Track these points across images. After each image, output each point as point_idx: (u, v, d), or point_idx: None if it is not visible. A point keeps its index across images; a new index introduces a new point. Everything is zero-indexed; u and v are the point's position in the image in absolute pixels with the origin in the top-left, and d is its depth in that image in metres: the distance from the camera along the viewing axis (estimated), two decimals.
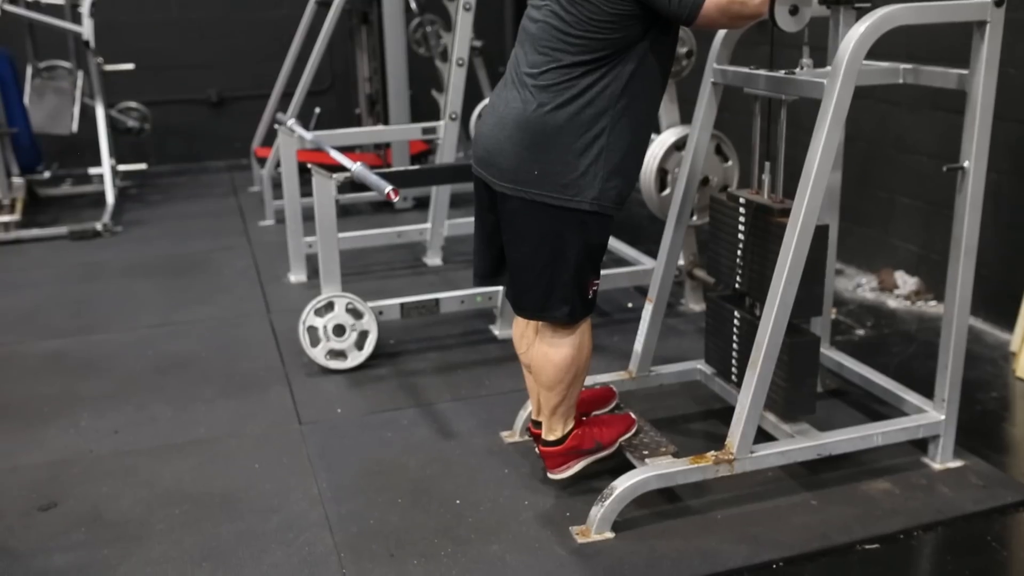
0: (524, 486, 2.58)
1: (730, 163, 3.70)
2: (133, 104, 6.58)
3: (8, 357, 3.63)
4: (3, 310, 4.17)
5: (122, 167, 6.35)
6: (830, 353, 2.99)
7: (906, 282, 3.99)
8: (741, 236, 2.64)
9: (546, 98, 2.19)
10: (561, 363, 2.39)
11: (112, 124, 6.32)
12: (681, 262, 3.81)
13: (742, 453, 2.39)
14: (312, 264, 4.12)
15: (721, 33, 2.68)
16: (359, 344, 3.46)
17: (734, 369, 2.76)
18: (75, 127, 6.08)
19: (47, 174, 6.25)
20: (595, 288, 2.38)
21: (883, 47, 2.26)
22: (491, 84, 6.30)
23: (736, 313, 2.69)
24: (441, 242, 4.68)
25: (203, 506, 2.55)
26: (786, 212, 2.40)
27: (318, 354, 3.41)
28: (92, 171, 6.14)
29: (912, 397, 2.68)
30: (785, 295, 2.28)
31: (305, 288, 4.28)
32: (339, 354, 3.43)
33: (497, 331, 3.71)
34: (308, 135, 4.13)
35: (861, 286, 4.12)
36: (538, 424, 2.55)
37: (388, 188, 2.91)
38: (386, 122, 5.70)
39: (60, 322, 4.00)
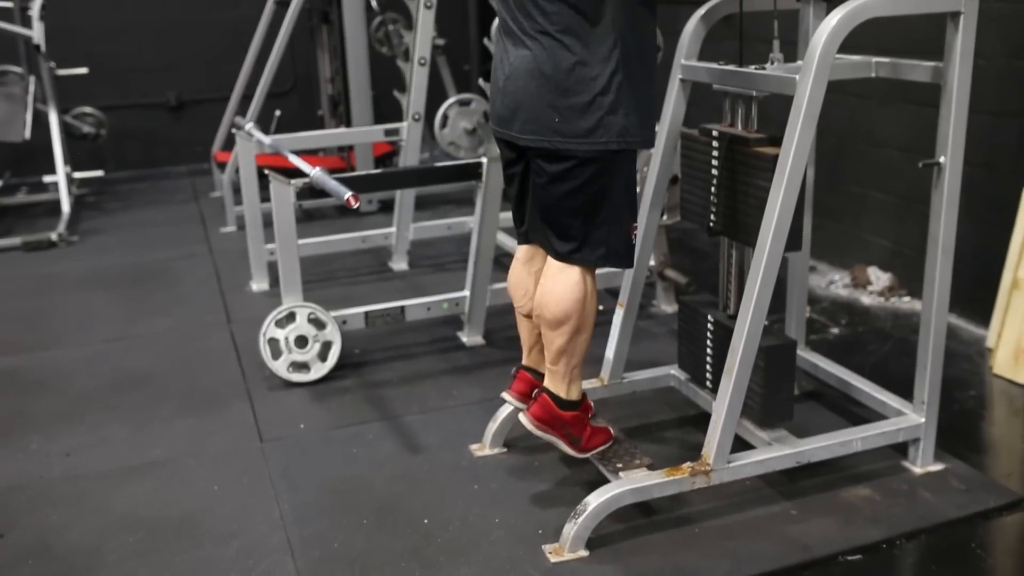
0: (494, 502, 2.49)
1: None
2: (88, 109, 6.39)
3: None
4: None
5: (78, 174, 6.18)
6: (805, 354, 2.92)
7: (879, 278, 3.93)
8: (715, 172, 2.50)
9: (553, 42, 2.16)
10: (565, 301, 2.29)
11: (67, 130, 6.14)
12: (652, 263, 3.74)
13: (719, 464, 2.31)
14: (274, 272, 3.95)
15: (689, 28, 2.59)
16: (322, 355, 3.34)
17: (708, 375, 2.68)
18: (28, 134, 5.88)
19: None
20: (635, 232, 2.35)
21: (852, 40, 2.19)
22: (455, 83, 6.19)
23: (710, 317, 2.61)
24: (407, 246, 4.57)
25: (158, 533, 2.43)
26: (761, 141, 2.34)
27: (280, 367, 3.29)
28: (47, 179, 5.96)
29: (891, 399, 2.62)
30: (762, 295, 2.21)
31: (267, 297, 4.16)
32: (302, 366, 3.31)
33: (465, 338, 3.61)
34: (266, 139, 4.00)
35: (834, 283, 4.06)
36: (529, 370, 2.57)
37: (347, 194, 2.81)
38: (349, 124, 5.57)
39: (11, 338, 3.84)
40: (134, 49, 6.84)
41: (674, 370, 2.89)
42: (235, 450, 2.85)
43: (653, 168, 2.71)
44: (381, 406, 3.10)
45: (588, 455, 2.44)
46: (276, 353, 3.29)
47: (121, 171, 6.91)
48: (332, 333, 3.35)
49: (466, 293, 3.60)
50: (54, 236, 5.21)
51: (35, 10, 5.52)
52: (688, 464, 2.32)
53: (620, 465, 2.37)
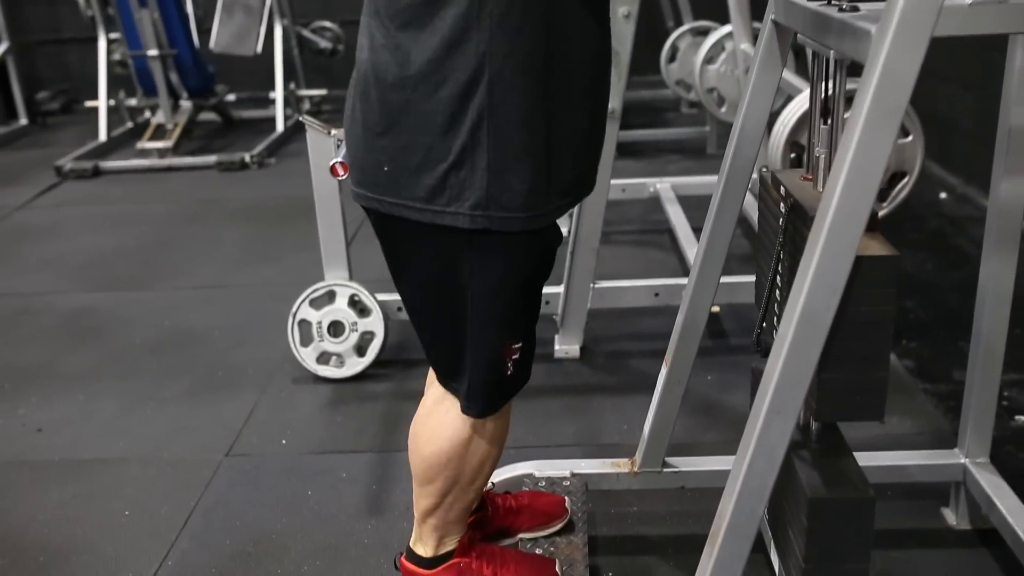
0: None
1: (910, 138, 2.46)
2: (327, 24, 6.17)
3: (33, 311, 3.32)
4: (79, 252, 3.91)
5: (306, 92, 6.00)
6: (983, 479, 1.80)
7: None
8: (779, 251, 1.54)
9: (387, 36, 1.27)
10: (431, 456, 1.52)
11: (303, 44, 5.97)
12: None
13: None
14: None
15: None
16: (360, 349, 2.72)
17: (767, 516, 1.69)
18: (259, 48, 5.77)
19: (230, 96, 6.04)
20: (514, 358, 1.45)
21: None
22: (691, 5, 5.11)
23: None
24: None
25: (19, 566, 1.98)
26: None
27: (308, 356, 2.72)
28: (273, 95, 5.84)
29: None
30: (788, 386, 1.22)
31: None
32: (334, 359, 2.72)
33: (557, 346, 2.80)
34: None
35: None
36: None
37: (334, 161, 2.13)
38: None
39: (120, 271, 3.65)
40: None
41: None
42: (190, 463, 2.34)
43: (728, 156, 1.70)
44: (396, 430, 2.43)
45: None
46: (306, 339, 2.72)
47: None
48: (376, 323, 2.71)
49: (559, 289, 2.77)
50: (247, 157, 5.04)
51: None
52: None
53: None
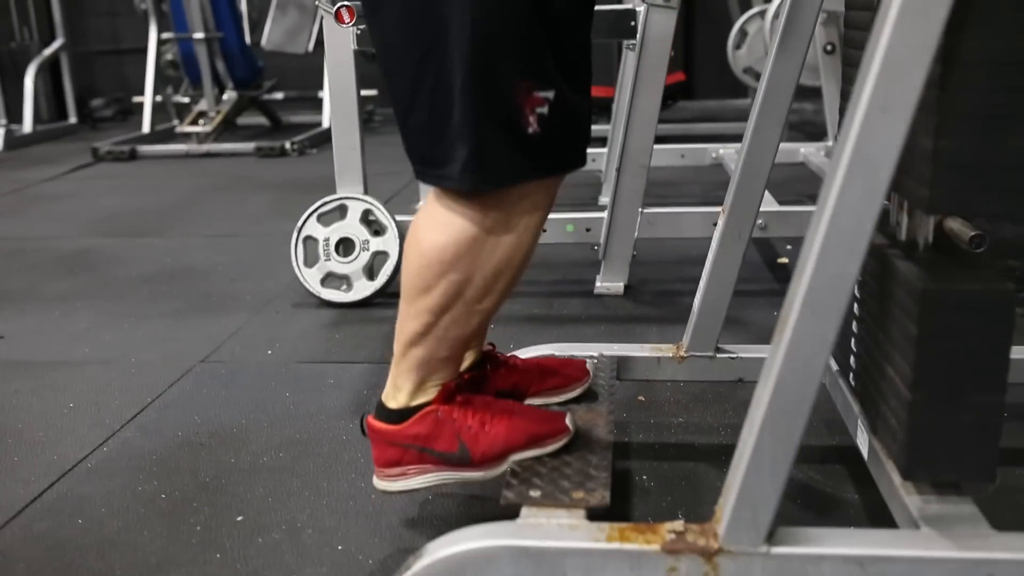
0: (352, 512, 1.36)
1: None
2: None
3: (29, 251, 3.05)
4: (95, 209, 3.66)
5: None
6: None
7: None
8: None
9: None
10: (432, 250, 1.14)
11: (359, 59, 5.79)
12: None
13: (741, 542, 0.97)
14: None
15: None
16: (370, 271, 2.38)
17: (853, 356, 1.28)
18: (311, 47, 5.61)
19: (278, 95, 5.89)
20: (540, 111, 1.07)
21: None
22: None
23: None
24: None
25: None
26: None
27: (312, 277, 2.38)
28: (321, 94, 5.66)
29: None
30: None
31: None
32: (341, 280, 2.38)
33: (599, 281, 2.41)
34: None
35: None
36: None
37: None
38: None
39: (132, 225, 3.38)
40: None
41: None
42: (160, 365, 2.00)
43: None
44: None
45: (501, 467, 1.21)
46: (311, 259, 2.39)
47: None
48: (390, 242, 2.37)
49: (603, 215, 2.40)
50: (288, 144, 4.82)
51: None
52: (673, 527, 1.01)
53: (537, 493, 1.12)
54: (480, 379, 1.34)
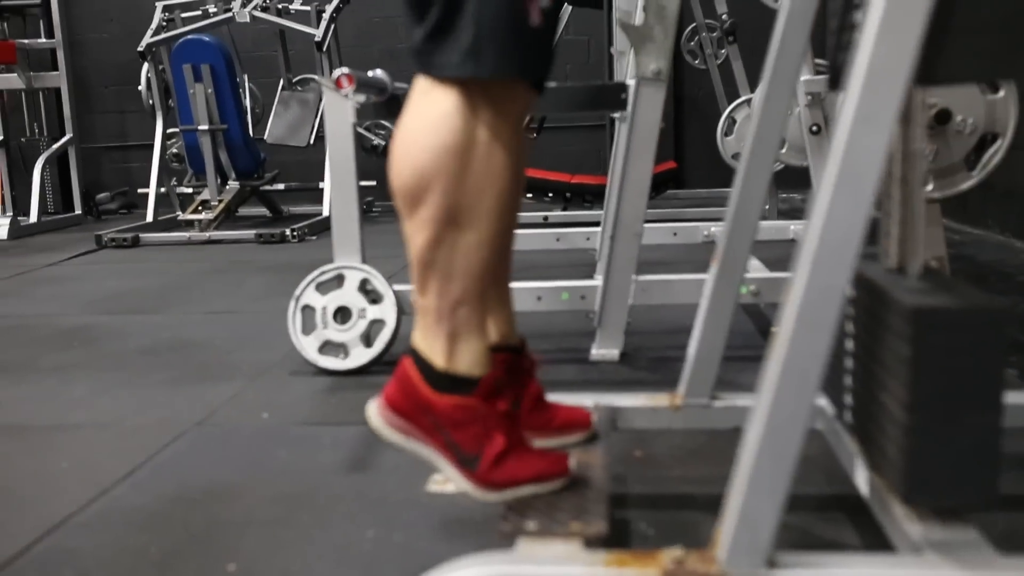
0: (360, 559, 1.34)
1: (1001, 94, 2.14)
2: (386, 123, 6.15)
3: (30, 327, 3.06)
4: (96, 290, 3.69)
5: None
6: None
7: None
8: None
9: None
10: (418, 154, 1.13)
11: (358, 141, 5.93)
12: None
13: (741, 564, 0.96)
14: None
15: None
16: (367, 339, 2.38)
17: (848, 395, 1.28)
18: (311, 139, 5.75)
19: (279, 186, 5.98)
20: (543, 5, 1.10)
21: None
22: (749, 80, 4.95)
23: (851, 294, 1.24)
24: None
25: None
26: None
27: (308, 346, 2.39)
28: (322, 185, 5.76)
29: None
30: None
31: None
32: (338, 349, 2.38)
33: (594, 348, 2.42)
34: None
35: None
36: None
37: (339, 74, 1.89)
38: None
39: (132, 303, 3.40)
40: None
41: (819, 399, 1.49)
42: (153, 429, 1.99)
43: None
44: None
45: (497, 495, 1.20)
46: (309, 327, 2.40)
47: None
48: (387, 310, 2.38)
49: (597, 282, 2.43)
50: (288, 231, 4.89)
51: (327, 11, 5.36)
52: (672, 553, 1.00)
53: (534, 525, 1.10)
54: (515, 367, 1.33)
